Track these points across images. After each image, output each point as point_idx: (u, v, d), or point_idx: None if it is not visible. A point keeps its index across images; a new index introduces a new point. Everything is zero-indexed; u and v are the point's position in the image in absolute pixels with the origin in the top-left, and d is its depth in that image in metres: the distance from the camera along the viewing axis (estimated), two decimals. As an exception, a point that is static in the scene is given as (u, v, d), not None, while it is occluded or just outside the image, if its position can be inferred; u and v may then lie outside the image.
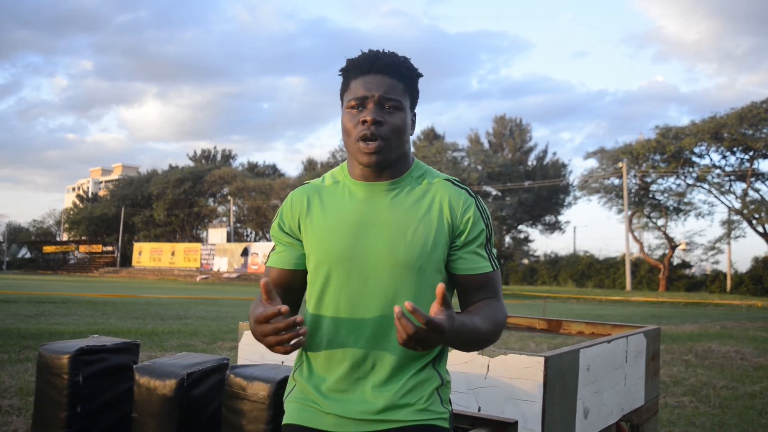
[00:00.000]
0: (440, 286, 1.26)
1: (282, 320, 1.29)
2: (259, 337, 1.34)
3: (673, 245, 41.54)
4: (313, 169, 56.63)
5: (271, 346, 1.33)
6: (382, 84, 1.46)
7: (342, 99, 1.53)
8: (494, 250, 1.56)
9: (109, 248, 60.89)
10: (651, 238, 47.10)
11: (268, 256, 1.61)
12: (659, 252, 43.65)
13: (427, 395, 1.50)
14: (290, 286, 1.59)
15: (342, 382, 1.49)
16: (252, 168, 64.48)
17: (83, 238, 64.05)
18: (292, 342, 1.32)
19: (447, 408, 1.54)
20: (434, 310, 1.29)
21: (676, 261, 42.45)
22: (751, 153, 37.92)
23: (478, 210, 1.52)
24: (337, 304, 1.49)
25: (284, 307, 1.27)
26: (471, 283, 1.52)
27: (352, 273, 1.48)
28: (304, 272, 1.58)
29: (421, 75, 1.53)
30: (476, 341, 1.44)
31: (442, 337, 1.27)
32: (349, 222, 1.50)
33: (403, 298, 1.46)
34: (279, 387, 1.86)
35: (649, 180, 41.82)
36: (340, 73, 1.53)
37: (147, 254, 53.37)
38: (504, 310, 1.52)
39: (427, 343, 1.27)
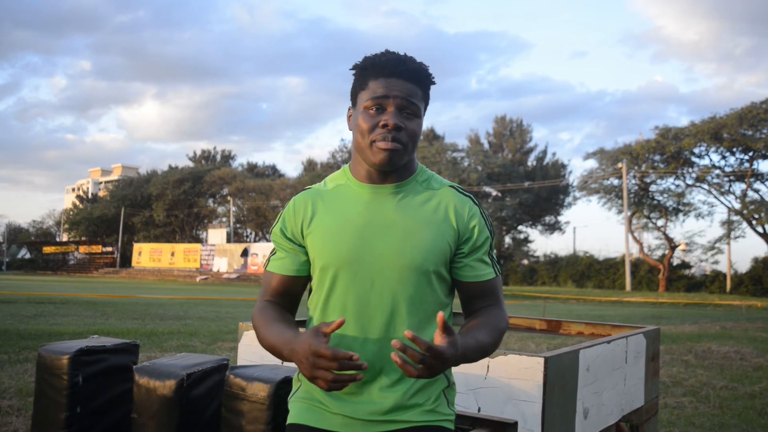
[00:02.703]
0: (440, 315, 1.27)
1: (348, 362, 1.28)
2: (310, 368, 1.31)
3: (672, 246, 41.53)
4: (313, 170, 56.62)
5: (314, 379, 1.31)
6: (405, 89, 1.46)
7: (355, 96, 1.52)
8: (495, 256, 1.57)
9: (109, 249, 60.88)
10: (651, 239, 47.18)
11: (268, 260, 1.60)
12: (659, 252, 43.68)
13: (435, 396, 1.51)
14: (290, 292, 1.58)
15: (350, 386, 1.48)
16: (252, 168, 64.47)
17: (83, 238, 64.03)
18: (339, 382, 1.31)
19: (452, 410, 1.55)
20: (437, 338, 1.30)
21: (675, 261, 42.45)
22: (750, 153, 37.91)
23: (483, 218, 1.53)
24: (343, 307, 1.49)
25: (356, 355, 1.27)
26: (475, 290, 1.53)
27: (359, 276, 1.48)
28: (305, 278, 1.58)
29: (435, 83, 1.53)
30: (481, 355, 1.46)
31: (445, 363, 1.28)
32: (355, 224, 1.50)
33: (408, 302, 1.47)
34: (278, 387, 1.86)
35: (648, 180, 41.81)
36: (354, 70, 1.52)
37: (147, 255, 53.34)
38: (505, 317, 1.53)
39: (433, 369, 1.27)
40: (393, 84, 1.45)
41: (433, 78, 1.52)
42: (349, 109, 1.57)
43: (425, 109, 1.54)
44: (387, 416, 1.47)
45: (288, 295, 1.58)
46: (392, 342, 1.22)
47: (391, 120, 1.44)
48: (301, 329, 1.52)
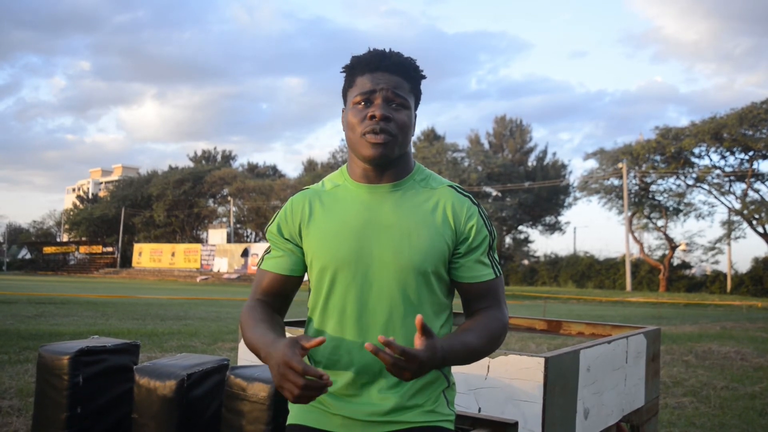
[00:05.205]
0: (418, 318, 1.25)
1: (316, 381, 1.26)
2: (278, 377, 1.28)
3: (673, 246, 41.53)
4: (313, 170, 56.64)
5: (281, 389, 1.29)
6: (390, 81, 1.46)
7: (346, 96, 1.53)
8: (497, 257, 1.56)
9: (109, 249, 60.90)
10: (651, 239, 47.23)
11: (262, 259, 1.59)
12: (659, 253, 43.68)
13: (435, 397, 1.51)
14: (282, 291, 1.58)
15: (349, 387, 1.48)
16: (252, 169, 64.50)
17: (83, 238, 64.05)
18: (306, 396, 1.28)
19: (452, 410, 1.55)
20: (416, 340, 1.28)
21: (676, 262, 42.46)
22: (750, 153, 37.92)
23: (482, 218, 1.52)
24: (342, 308, 1.49)
25: (326, 375, 1.24)
26: (473, 291, 1.52)
27: (357, 276, 1.47)
28: (298, 279, 1.58)
29: (425, 77, 1.53)
30: (470, 357, 1.44)
31: (421, 366, 1.26)
32: (353, 225, 1.49)
33: (407, 303, 1.46)
34: (279, 388, 1.85)
35: (649, 180, 41.81)
36: (344, 70, 1.52)
37: (147, 255, 53.37)
38: (503, 320, 1.51)
39: (411, 371, 1.25)
40: (379, 77, 1.46)
41: (422, 71, 1.52)
42: (342, 111, 1.57)
43: (416, 103, 1.53)
44: (387, 417, 1.46)
45: (279, 294, 1.58)
46: (365, 345, 1.19)
47: (378, 111, 1.43)
48: (300, 330, 1.52)
